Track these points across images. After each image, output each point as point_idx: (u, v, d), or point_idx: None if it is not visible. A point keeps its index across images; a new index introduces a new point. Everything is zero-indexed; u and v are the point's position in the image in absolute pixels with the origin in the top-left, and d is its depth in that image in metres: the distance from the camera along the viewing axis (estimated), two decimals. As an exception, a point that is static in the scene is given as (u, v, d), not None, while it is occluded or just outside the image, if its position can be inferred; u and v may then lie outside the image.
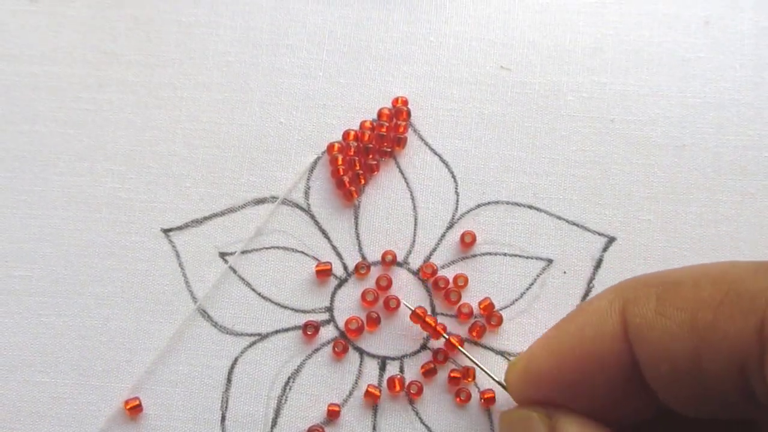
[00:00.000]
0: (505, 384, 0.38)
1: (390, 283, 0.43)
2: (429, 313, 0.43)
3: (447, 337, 0.42)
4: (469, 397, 0.42)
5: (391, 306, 0.43)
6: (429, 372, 0.42)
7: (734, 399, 0.30)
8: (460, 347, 0.42)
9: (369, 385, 0.42)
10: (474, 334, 0.43)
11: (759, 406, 0.30)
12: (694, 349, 0.30)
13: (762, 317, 0.29)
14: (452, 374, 0.42)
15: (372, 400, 0.42)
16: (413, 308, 0.42)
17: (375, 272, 0.44)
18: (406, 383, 0.42)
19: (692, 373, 0.30)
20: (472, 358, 0.41)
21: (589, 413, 0.34)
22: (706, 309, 0.30)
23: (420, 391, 0.42)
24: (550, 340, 0.35)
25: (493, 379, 0.41)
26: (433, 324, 0.42)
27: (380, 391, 0.42)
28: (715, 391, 0.31)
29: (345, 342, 0.43)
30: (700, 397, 0.31)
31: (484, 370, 0.41)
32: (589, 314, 0.34)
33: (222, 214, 0.45)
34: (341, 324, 0.43)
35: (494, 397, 0.42)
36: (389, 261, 0.44)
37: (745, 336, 0.29)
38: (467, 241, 0.44)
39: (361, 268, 0.44)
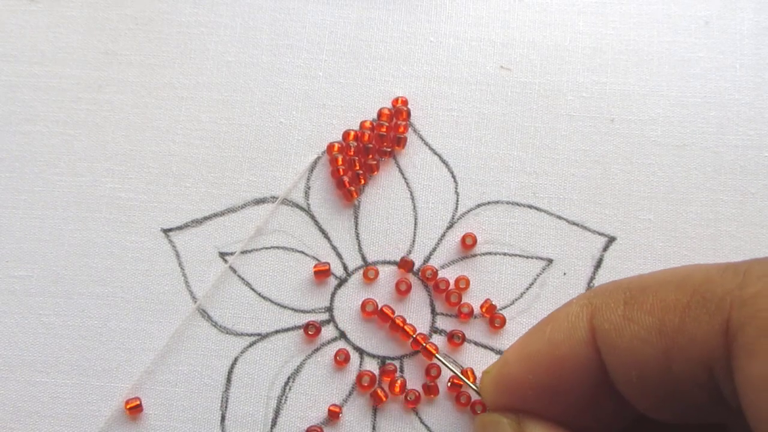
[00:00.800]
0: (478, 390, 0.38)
1: (409, 288, 0.43)
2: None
3: (425, 345, 0.42)
4: (469, 400, 0.42)
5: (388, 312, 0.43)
6: (430, 390, 0.42)
7: (704, 402, 0.31)
8: (436, 354, 0.42)
9: (377, 388, 0.42)
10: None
11: (728, 409, 0.30)
12: (662, 353, 0.30)
13: (727, 318, 0.29)
14: (453, 380, 0.42)
15: (377, 401, 0.42)
16: (380, 307, 0.42)
17: (383, 275, 0.44)
18: (406, 389, 0.42)
19: (662, 378, 0.30)
20: (445, 362, 0.41)
21: (561, 420, 0.34)
22: (672, 312, 0.30)
23: (418, 399, 0.42)
24: (522, 346, 0.35)
25: (469, 385, 0.41)
26: (401, 324, 0.42)
27: (387, 395, 0.42)
28: (685, 395, 0.31)
29: (346, 351, 0.43)
30: (671, 402, 0.31)
31: (459, 376, 0.41)
32: (559, 321, 0.34)
33: (222, 214, 0.45)
34: (341, 324, 0.43)
35: None
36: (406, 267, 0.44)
37: (711, 338, 0.29)
38: (468, 243, 0.44)
39: (369, 273, 0.44)
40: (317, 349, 0.43)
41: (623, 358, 0.31)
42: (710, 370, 0.29)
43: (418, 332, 0.42)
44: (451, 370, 0.41)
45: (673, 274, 0.32)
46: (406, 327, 0.42)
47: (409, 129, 0.46)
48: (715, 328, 0.29)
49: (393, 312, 0.43)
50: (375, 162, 0.45)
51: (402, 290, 0.43)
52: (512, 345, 0.36)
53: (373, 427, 0.42)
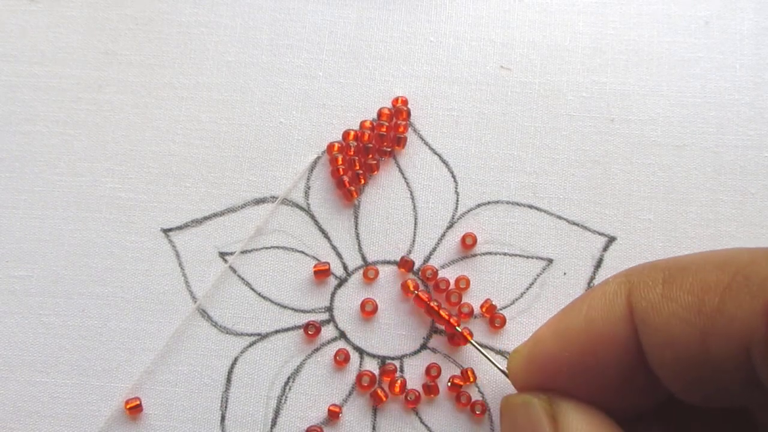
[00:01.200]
0: (506, 372, 0.38)
1: (416, 288, 0.43)
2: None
3: (453, 322, 0.42)
4: (469, 399, 0.42)
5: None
6: (430, 390, 0.42)
7: (737, 384, 0.30)
8: (471, 340, 0.42)
9: (377, 388, 0.42)
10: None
11: (762, 392, 0.30)
12: (700, 333, 0.30)
13: None
14: (453, 380, 0.42)
15: (377, 401, 0.42)
16: (414, 290, 0.43)
17: (383, 275, 0.44)
18: (407, 388, 0.42)
19: (697, 357, 0.30)
20: (479, 348, 0.41)
21: (591, 401, 0.34)
22: (713, 292, 0.30)
23: (418, 399, 0.42)
24: (557, 323, 0.34)
25: (496, 366, 0.40)
26: (437, 309, 0.42)
27: (387, 395, 0.42)
28: (719, 377, 0.30)
29: (346, 351, 0.43)
30: (704, 383, 0.31)
31: (483, 353, 0.41)
32: (596, 298, 0.33)
33: (222, 213, 0.45)
34: (341, 324, 0.43)
35: (486, 407, 0.42)
36: (407, 267, 0.44)
37: (751, 319, 0.29)
38: (468, 243, 0.44)
39: (369, 273, 0.44)
40: (317, 349, 0.43)
41: (660, 337, 0.31)
42: (748, 352, 0.29)
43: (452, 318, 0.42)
44: (485, 356, 0.41)
45: (715, 255, 0.32)
46: (441, 312, 0.42)
47: (409, 129, 0.46)
48: (756, 309, 0.29)
49: (430, 298, 0.43)
50: (375, 162, 0.45)
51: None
52: (545, 324, 0.36)
53: (373, 427, 0.42)
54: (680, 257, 0.33)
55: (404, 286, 0.43)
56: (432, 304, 0.42)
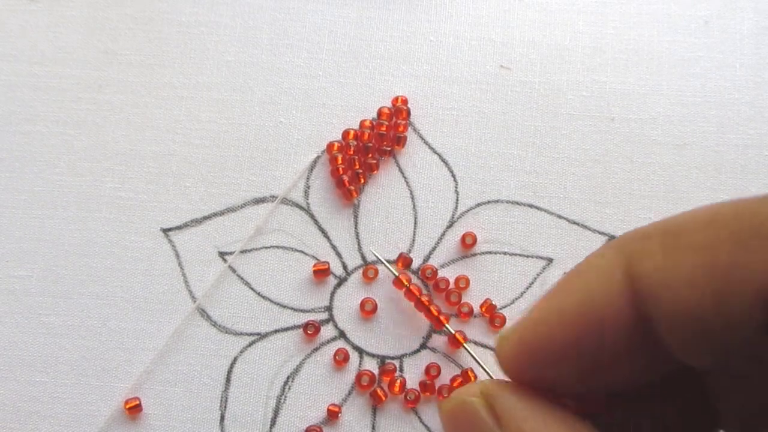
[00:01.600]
0: (491, 375, 0.37)
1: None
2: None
3: (443, 320, 0.42)
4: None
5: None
6: (428, 387, 0.42)
7: (756, 341, 0.29)
8: (463, 344, 0.42)
9: (376, 388, 0.42)
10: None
11: None
12: (714, 294, 0.28)
13: None
14: (452, 380, 0.42)
15: (376, 401, 0.42)
16: (398, 274, 0.42)
17: (382, 275, 0.44)
18: (406, 388, 0.42)
19: (713, 320, 0.28)
20: (469, 350, 0.41)
21: (584, 385, 0.32)
22: (723, 248, 0.28)
23: (417, 399, 0.42)
24: (550, 306, 0.32)
25: (487, 372, 0.40)
26: (427, 303, 0.42)
27: (386, 394, 0.42)
28: (735, 335, 0.29)
29: (346, 351, 0.43)
30: (719, 346, 0.29)
31: (476, 359, 0.41)
32: (588, 276, 0.31)
33: (221, 213, 0.45)
34: (341, 323, 0.43)
35: None
36: (404, 264, 0.44)
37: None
38: (468, 243, 0.44)
39: (369, 272, 0.44)
40: (316, 349, 0.43)
41: (669, 307, 0.29)
42: (766, 302, 0.27)
43: (442, 315, 0.42)
44: (476, 361, 0.41)
45: (715, 210, 0.29)
46: (431, 307, 0.42)
47: (409, 128, 0.46)
48: None
49: (420, 291, 0.43)
50: (375, 161, 0.45)
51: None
52: (535, 305, 0.33)
53: (373, 427, 0.42)
54: (676, 217, 0.31)
55: (397, 282, 0.43)
56: (423, 298, 0.42)
